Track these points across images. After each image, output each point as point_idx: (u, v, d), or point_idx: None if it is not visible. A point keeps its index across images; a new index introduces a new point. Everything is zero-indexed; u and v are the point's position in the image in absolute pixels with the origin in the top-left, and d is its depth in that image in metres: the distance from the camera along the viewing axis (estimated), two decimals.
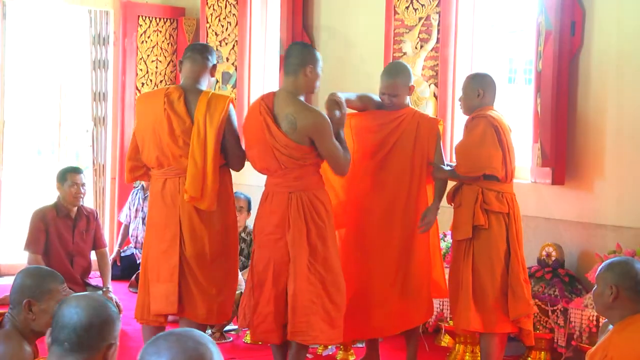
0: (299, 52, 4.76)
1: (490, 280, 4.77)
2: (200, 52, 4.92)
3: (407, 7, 6.38)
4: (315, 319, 4.60)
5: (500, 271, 4.78)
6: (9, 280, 7.61)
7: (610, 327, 3.50)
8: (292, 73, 4.72)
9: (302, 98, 4.72)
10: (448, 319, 5.51)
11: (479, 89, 4.88)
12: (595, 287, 3.55)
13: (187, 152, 4.74)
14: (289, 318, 4.64)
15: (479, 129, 4.79)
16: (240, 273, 5.29)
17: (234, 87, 8.09)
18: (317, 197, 4.68)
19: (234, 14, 8.07)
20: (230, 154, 4.86)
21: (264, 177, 4.90)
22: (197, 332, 2.11)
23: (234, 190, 6.82)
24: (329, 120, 4.64)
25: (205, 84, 4.92)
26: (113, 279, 6.73)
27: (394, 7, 6.45)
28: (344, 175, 4.82)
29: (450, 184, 5.04)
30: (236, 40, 8.06)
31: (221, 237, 4.86)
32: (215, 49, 8.21)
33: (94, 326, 2.50)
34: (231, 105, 4.82)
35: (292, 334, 4.63)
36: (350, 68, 6.92)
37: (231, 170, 5.00)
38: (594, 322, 4.88)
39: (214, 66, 4.95)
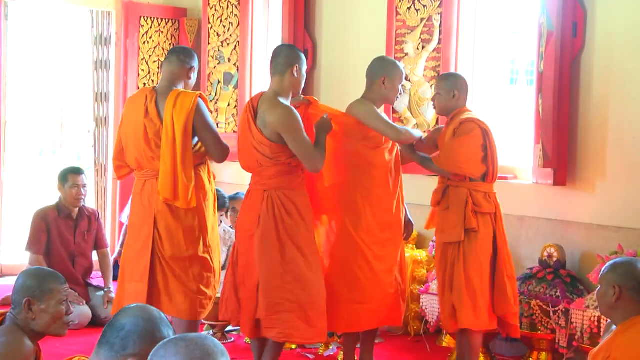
0: (286, 52, 4.87)
1: (481, 280, 4.81)
2: (177, 54, 4.98)
3: (408, 8, 6.39)
4: (291, 316, 4.63)
5: (490, 271, 4.84)
6: (10, 281, 7.63)
7: (614, 327, 3.50)
8: (278, 73, 4.79)
9: (283, 99, 4.76)
10: None
11: (455, 91, 4.94)
12: (599, 287, 3.55)
13: (159, 154, 4.81)
14: (261, 314, 4.70)
15: (471, 134, 4.81)
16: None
17: (235, 87, 8.10)
18: (287, 196, 4.73)
19: (235, 15, 8.08)
20: (208, 148, 4.92)
21: None
22: (211, 341, 2.07)
23: (237, 192, 6.88)
24: (297, 116, 4.68)
25: (181, 86, 4.95)
26: (115, 279, 6.71)
27: (396, 7, 6.45)
28: (316, 172, 4.77)
29: (426, 186, 5.06)
30: (238, 41, 8.06)
31: (197, 234, 4.91)
32: (217, 49, 8.23)
33: (123, 329, 2.42)
34: (200, 101, 4.84)
35: (266, 329, 4.70)
36: (352, 68, 6.92)
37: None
38: (596, 323, 4.88)
39: (192, 68, 4.99)
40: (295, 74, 4.78)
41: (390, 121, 5.00)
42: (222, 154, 4.97)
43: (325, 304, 4.73)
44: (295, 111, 4.73)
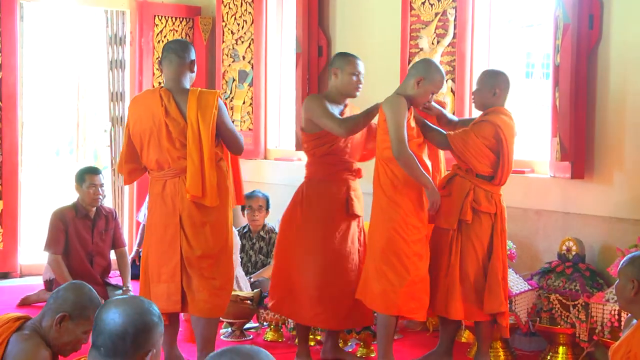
0: (336, 56, 5.36)
1: (475, 272, 4.91)
2: (174, 51, 4.92)
3: (423, 3, 6.36)
4: (286, 295, 5.20)
5: (483, 265, 4.92)
6: (30, 281, 7.68)
7: (634, 321, 3.47)
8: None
9: (321, 95, 5.23)
10: None
11: (496, 89, 4.98)
12: (618, 281, 3.53)
13: (184, 153, 4.79)
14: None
15: (483, 132, 4.89)
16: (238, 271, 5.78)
17: (250, 85, 8.10)
18: (306, 185, 5.24)
19: (249, 12, 8.08)
20: (228, 143, 4.98)
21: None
22: (264, 355, 2.07)
23: (254, 190, 6.88)
24: (319, 99, 5.14)
25: (187, 81, 4.93)
26: (132, 278, 6.75)
27: (410, 2, 6.43)
28: (342, 136, 5.08)
29: None
30: (252, 39, 8.06)
31: (222, 230, 4.92)
32: (231, 47, 8.24)
33: (128, 334, 2.48)
34: (219, 100, 4.87)
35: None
36: (367, 65, 6.88)
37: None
38: (616, 317, 4.85)
39: (192, 62, 4.94)
40: (338, 75, 5.19)
41: (405, 137, 4.83)
42: (241, 147, 5.06)
43: (317, 291, 5.06)
44: (320, 97, 5.23)
